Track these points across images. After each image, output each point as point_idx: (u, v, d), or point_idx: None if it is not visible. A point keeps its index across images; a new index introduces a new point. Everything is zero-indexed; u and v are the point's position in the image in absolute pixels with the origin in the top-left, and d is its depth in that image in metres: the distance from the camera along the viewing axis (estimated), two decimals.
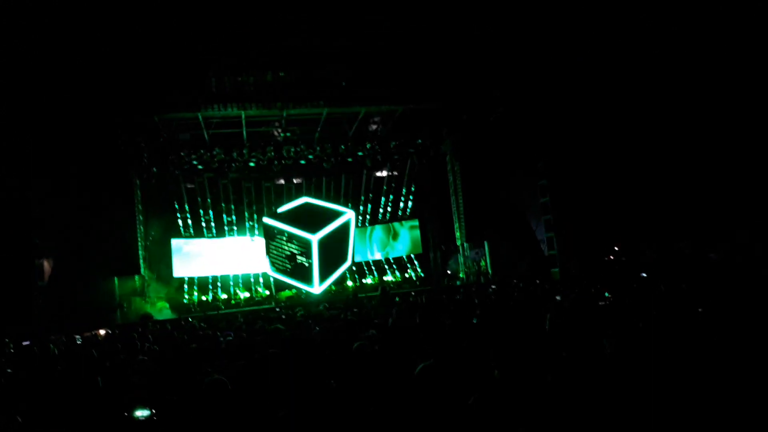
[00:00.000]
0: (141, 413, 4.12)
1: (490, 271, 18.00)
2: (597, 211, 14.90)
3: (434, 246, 20.13)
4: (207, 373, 4.26)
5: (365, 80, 15.37)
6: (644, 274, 11.26)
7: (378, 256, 20.74)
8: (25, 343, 9.05)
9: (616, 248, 15.48)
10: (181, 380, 4.79)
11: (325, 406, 3.25)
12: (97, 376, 4.81)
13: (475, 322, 6.78)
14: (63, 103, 13.04)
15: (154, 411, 4.16)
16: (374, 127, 18.28)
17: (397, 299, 12.50)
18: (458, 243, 19.67)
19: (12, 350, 8.59)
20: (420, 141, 19.05)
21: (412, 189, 20.99)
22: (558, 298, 7.87)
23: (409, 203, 21.02)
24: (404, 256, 20.78)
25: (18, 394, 4.85)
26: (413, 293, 14.84)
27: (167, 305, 16.93)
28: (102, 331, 11.68)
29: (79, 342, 8.82)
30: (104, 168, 15.40)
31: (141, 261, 16.96)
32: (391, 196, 20.99)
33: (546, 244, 16.77)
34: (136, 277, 16.74)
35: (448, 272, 19.70)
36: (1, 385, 5.44)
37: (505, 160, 17.19)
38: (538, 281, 12.74)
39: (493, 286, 13.17)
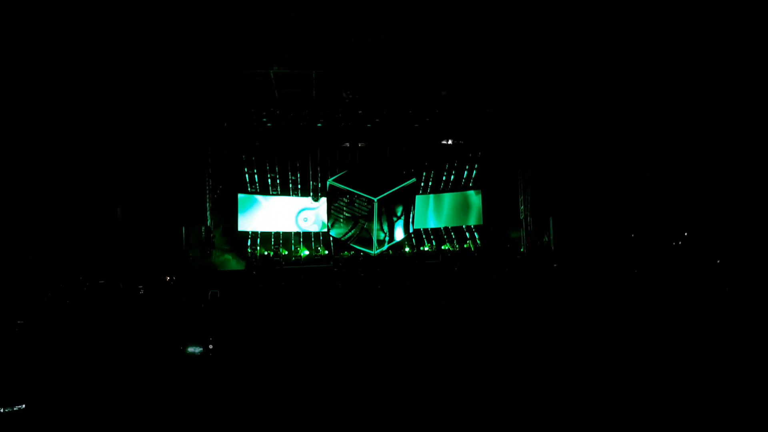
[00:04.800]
0: (193, 349, 4.35)
1: (552, 247, 17.56)
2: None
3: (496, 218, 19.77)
4: None
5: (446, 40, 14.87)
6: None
7: (437, 224, 20.59)
8: (100, 281, 9.56)
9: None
10: None
11: None
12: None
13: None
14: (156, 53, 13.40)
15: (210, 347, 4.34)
16: (444, 92, 17.85)
17: None
18: (521, 217, 19.24)
19: (87, 287, 9.09)
20: (490, 109, 18.54)
21: (478, 157, 20.55)
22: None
23: (473, 173, 20.62)
24: (464, 226, 20.54)
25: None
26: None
27: (230, 257, 17.48)
28: (168, 278, 12.20)
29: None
30: (178, 120, 15.88)
31: (207, 212, 17.56)
32: (454, 167, 20.66)
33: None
34: (202, 228, 17.34)
35: (508, 246, 19.33)
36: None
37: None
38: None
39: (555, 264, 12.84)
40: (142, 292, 8.70)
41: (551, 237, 17.86)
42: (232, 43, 13.97)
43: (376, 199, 17.48)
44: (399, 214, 18.70)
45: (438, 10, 12.94)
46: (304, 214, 19.63)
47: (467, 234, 20.46)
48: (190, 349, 4.40)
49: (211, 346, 4.47)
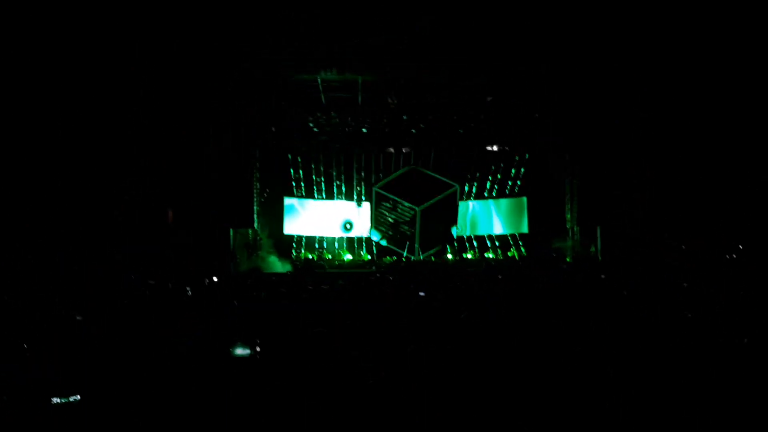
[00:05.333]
0: (241, 351, 4.40)
1: (600, 258, 17.15)
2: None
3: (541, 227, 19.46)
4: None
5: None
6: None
7: (481, 231, 20.39)
8: (150, 282, 9.90)
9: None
10: None
11: None
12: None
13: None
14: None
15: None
16: (489, 98, 17.70)
17: None
18: (568, 226, 18.88)
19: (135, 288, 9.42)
20: (537, 115, 18.27)
21: (522, 166, 20.27)
22: None
23: (518, 181, 20.35)
24: (508, 235, 20.27)
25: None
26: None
27: (276, 259, 17.80)
28: (216, 279, 12.50)
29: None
30: (228, 125, 16.33)
31: (255, 215, 17.94)
32: (499, 173, 20.43)
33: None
34: (249, 231, 17.73)
35: (554, 255, 18.97)
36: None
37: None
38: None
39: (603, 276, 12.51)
40: (190, 293, 8.97)
41: (599, 247, 17.45)
42: (278, 47, 14.23)
43: (418, 209, 17.48)
44: (442, 221, 18.63)
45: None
46: (347, 218, 19.80)
47: (511, 242, 20.20)
48: (238, 351, 4.44)
49: (258, 348, 4.51)
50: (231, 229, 17.17)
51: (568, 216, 18.87)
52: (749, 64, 11.30)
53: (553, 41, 13.60)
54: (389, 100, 18.07)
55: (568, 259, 18.30)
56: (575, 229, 18.49)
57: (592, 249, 17.69)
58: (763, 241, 11.60)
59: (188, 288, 8.76)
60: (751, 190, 11.48)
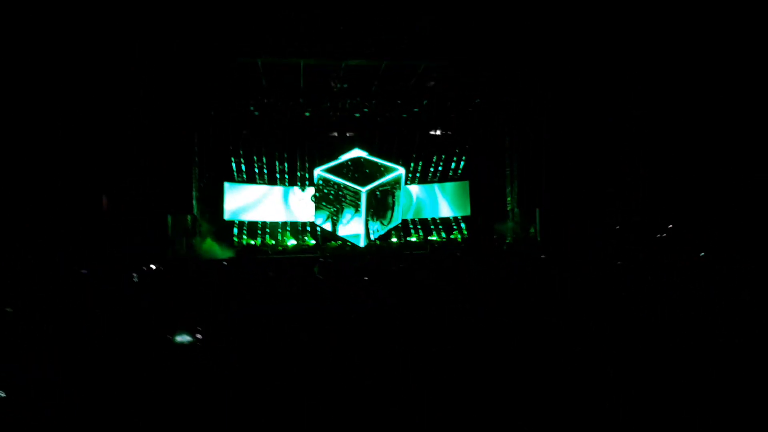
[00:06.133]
0: (182, 338, 4.32)
1: (539, 239, 17.70)
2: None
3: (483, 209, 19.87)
4: None
5: (427, 34, 14.90)
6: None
7: (425, 214, 20.62)
8: (83, 271, 9.47)
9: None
10: None
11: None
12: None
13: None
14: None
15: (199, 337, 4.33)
16: (432, 83, 17.82)
17: None
18: (508, 208, 19.37)
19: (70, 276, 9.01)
20: (478, 101, 18.55)
21: (465, 149, 20.58)
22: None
23: (461, 164, 20.66)
24: (451, 217, 20.60)
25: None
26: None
27: (216, 246, 17.40)
28: (153, 266, 12.11)
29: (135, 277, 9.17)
30: (165, 110, 15.73)
31: (194, 201, 17.43)
32: (443, 156, 20.67)
33: None
34: (188, 217, 17.22)
35: (494, 237, 19.44)
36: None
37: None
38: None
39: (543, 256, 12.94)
40: (135, 279, 8.70)
41: (537, 229, 18.00)
42: (222, 32, 13.83)
43: (363, 191, 17.46)
44: (386, 204, 18.71)
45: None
46: (290, 202, 19.56)
47: (454, 225, 20.54)
48: (178, 338, 4.36)
49: (199, 336, 4.43)
50: (169, 215, 16.63)
51: (509, 199, 19.35)
52: (743, 62, 11.57)
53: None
54: (332, 84, 17.89)
55: (508, 240, 18.80)
56: (515, 211, 18.97)
57: (531, 230, 18.22)
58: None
59: (134, 274, 8.47)
60: (748, 189, 11.84)
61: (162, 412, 2.94)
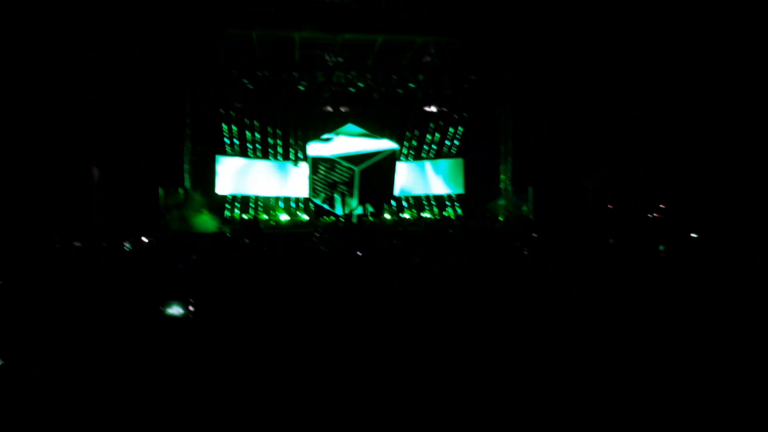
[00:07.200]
0: (174, 311, 4.30)
1: (531, 217, 17.75)
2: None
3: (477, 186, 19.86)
4: None
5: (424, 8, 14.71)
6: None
7: (418, 191, 20.60)
8: (77, 243, 9.42)
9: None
10: None
11: None
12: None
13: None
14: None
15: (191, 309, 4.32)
16: (428, 59, 17.63)
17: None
18: (502, 186, 19.37)
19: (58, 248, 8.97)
20: (474, 78, 18.41)
21: (460, 128, 20.48)
22: None
23: (456, 141, 20.57)
24: (444, 195, 20.60)
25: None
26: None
27: (208, 219, 17.31)
28: (145, 239, 12.05)
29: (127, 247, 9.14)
30: (157, 82, 15.49)
31: (186, 174, 17.31)
32: (437, 133, 20.57)
33: None
34: (180, 190, 17.10)
35: (487, 215, 19.47)
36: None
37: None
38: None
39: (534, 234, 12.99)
40: (127, 248, 8.67)
41: (530, 208, 18.03)
42: (216, 3, 13.60)
43: (357, 169, 17.40)
44: (380, 180, 18.67)
45: None
46: (284, 177, 19.46)
47: (448, 202, 20.53)
48: (170, 310, 4.33)
49: (191, 308, 4.41)
50: (161, 188, 16.51)
51: (503, 177, 19.34)
52: (743, 63, 11.53)
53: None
54: (327, 58, 17.67)
55: (500, 218, 18.84)
56: (509, 189, 18.98)
57: (524, 209, 18.26)
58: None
59: (126, 244, 8.43)
60: (748, 191, 11.87)
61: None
